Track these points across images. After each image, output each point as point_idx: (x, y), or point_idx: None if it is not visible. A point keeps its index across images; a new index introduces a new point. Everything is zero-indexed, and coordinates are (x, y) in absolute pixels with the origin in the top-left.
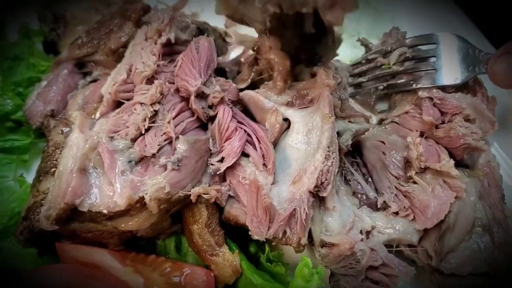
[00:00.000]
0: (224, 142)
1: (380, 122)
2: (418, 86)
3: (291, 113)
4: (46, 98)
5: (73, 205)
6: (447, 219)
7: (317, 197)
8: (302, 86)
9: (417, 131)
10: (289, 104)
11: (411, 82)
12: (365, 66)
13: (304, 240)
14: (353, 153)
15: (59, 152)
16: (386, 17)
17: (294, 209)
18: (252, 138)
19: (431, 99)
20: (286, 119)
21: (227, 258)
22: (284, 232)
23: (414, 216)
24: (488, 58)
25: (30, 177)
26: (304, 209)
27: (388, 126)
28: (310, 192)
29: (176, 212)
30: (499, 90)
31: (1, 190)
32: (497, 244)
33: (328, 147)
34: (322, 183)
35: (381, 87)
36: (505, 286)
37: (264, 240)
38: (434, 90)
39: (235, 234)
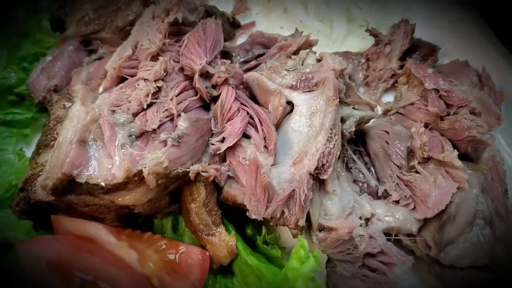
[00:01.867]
0: (226, 122)
1: (386, 112)
2: None
3: (295, 96)
4: (50, 73)
5: (70, 176)
6: (448, 209)
7: (317, 180)
8: (308, 71)
9: (421, 122)
10: (293, 87)
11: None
12: None
13: (302, 222)
14: (357, 142)
15: (60, 126)
16: (396, 9)
17: (293, 190)
18: (254, 120)
19: (437, 90)
20: (289, 102)
21: (223, 239)
22: (282, 213)
23: (414, 206)
24: None
25: (29, 152)
26: (304, 190)
27: (393, 117)
28: (310, 174)
29: (175, 191)
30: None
31: (0, 162)
32: (498, 237)
33: (331, 129)
34: (323, 165)
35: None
36: (505, 280)
37: (262, 220)
38: (441, 82)
39: (233, 215)
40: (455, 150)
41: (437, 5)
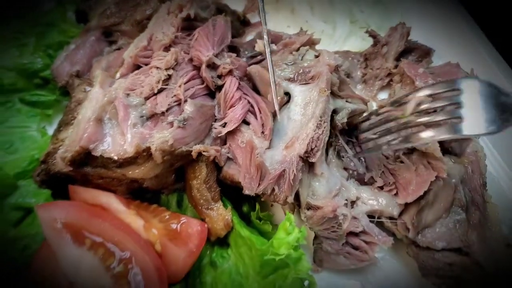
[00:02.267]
0: (228, 109)
1: (380, 108)
2: (437, 137)
3: (292, 88)
4: (73, 60)
5: (87, 149)
6: (427, 196)
7: (307, 163)
8: (306, 65)
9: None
10: (291, 80)
11: (428, 134)
12: (375, 119)
13: (290, 199)
14: (350, 134)
15: (80, 107)
16: (395, 14)
17: (284, 170)
18: (254, 108)
19: None
20: (287, 93)
21: (221, 213)
22: (273, 190)
23: (397, 192)
24: None
25: (51, 130)
26: (293, 170)
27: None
28: (300, 157)
29: (180, 171)
30: None
31: (24, 138)
32: (472, 224)
33: (320, 117)
34: (312, 149)
35: (395, 142)
36: (475, 261)
37: (255, 197)
38: (430, 81)
39: (231, 195)
40: (438, 144)
41: (434, 11)
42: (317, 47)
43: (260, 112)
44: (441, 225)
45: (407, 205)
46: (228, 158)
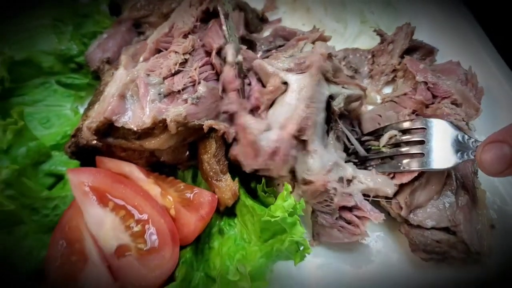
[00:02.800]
0: (229, 92)
1: (383, 101)
2: (407, 168)
3: (289, 77)
4: (105, 48)
5: (110, 120)
6: (420, 178)
7: (301, 142)
8: (302, 56)
9: (410, 109)
10: (289, 70)
11: (399, 164)
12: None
13: (282, 173)
14: (353, 124)
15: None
16: (404, 16)
17: (277, 147)
18: (251, 93)
19: (426, 83)
20: (285, 83)
21: (228, 184)
22: (267, 165)
23: (394, 175)
24: (477, 146)
25: (83, 110)
26: (286, 147)
27: (387, 104)
28: (292, 135)
29: (194, 149)
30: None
31: (59, 115)
32: (460, 206)
33: (309, 98)
34: (302, 128)
35: (371, 168)
36: (460, 239)
37: (253, 171)
38: (430, 76)
39: (241, 174)
40: None
41: (441, 15)
42: (329, 43)
43: (256, 96)
44: (432, 206)
45: (401, 186)
46: (234, 139)
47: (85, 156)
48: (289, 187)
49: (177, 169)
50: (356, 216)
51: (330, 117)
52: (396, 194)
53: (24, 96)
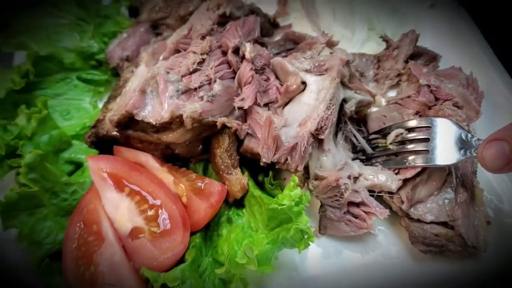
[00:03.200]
0: (244, 86)
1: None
2: (412, 164)
3: (309, 77)
4: (124, 46)
5: (131, 114)
6: (422, 174)
7: (317, 140)
8: (322, 59)
9: (413, 110)
10: (308, 71)
11: (405, 160)
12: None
13: (300, 168)
14: (360, 124)
15: (127, 83)
16: (410, 23)
17: (296, 143)
18: (268, 89)
19: (429, 86)
20: (304, 82)
21: (238, 177)
22: (286, 159)
23: (398, 171)
24: (479, 144)
25: (101, 105)
26: (304, 144)
27: (391, 106)
28: (311, 133)
29: (207, 143)
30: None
31: (79, 109)
32: (458, 202)
33: (330, 100)
34: (321, 127)
35: (377, 165)
36: (458, 233)
37: (270, 163)
38: (432, 79)
39: (249, 167)
40: None
41: (445, 23)
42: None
43: (281, 91)
44: (432, 201)
45: (404, 182)
46: (248, 134)
47: (104, 146)
48: (296, 179)
49: (189, 162)
50: (363, 211)
51: (340, 118)
52: (398, 189)
53: (47, 89)
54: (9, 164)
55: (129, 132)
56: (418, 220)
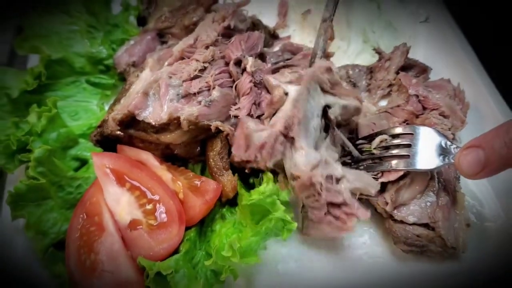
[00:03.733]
0: (241, 97)
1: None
2: (395, 168)
3: (290, 88)
4: (132, 52)
5: (133, 114)
6: (405, 178)
7: (289, 139)
8: (302, 71)
9: (401, 118)
10: (290, 82)
11: (388, 164)
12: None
13: (269, 164)
14: (352, 131)
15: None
16: (404, 36)
17: (265, 142)
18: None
19: (417, 96)
20: (286, 93)
21: (230, 178)
22: (256, 157)
23: (382, 173)
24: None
25: (108, 107)
26: (272, 142)
27: (381, 114)
28: (281, 132)
29: (204, 146)
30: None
31: (87, 110)
32: (440, 205)
33: (296, 100)
34: (288, 125)
35: (362, 167)
36: (438, 234)
37: (240, 161)
38: (421, 90)
39: (241, 174)
40: None
41: (437, 37)
42: (332, 59)
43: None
44: (415, 204)
45: (388, 184)
46: None
47: (108, 144)
48: (270, 175)
49: (188, 163)
50: (344, 212)
51: (328, 125)
52: (383, 191)
53: (57, 91)
54: (19, 159)
55: (131, 131)
56: (401, 222)
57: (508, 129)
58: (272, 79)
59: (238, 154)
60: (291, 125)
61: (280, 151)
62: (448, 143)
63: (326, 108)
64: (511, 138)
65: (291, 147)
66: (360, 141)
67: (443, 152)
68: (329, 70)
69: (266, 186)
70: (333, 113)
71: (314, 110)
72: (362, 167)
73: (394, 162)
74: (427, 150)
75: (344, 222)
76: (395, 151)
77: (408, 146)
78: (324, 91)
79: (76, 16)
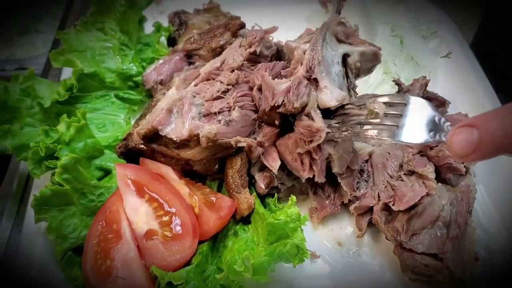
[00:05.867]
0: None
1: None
2: (379, 137)
3: (306, 46)
4: (160, 71)
5: (156, 129)
6: (417, 207)
7: (313, 82)
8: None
9: (416, 149)
10: (308, 42)
11: (373, 132)
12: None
13: (296, 105)
14: (366, 161)
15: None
16: (424, 70)
17: (289, 86)
18: None
19: None
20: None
21: (246, 196)
22: (282, 101)
23: (394, 202)
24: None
25: (133, 121)
26: (296, 84)
27: (397, 145)
28: (303, 76)
29: (222, 164)
30: None
31: (113, 123)
32: (450, 237)
33: (313, 44)
34: (310, 67)
35: (345, 133)
36: (446, 266)
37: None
38: None
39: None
40: (432, 168)
41: (456, 72)
42: None
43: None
44: (425, 234)
45: (399, 214)
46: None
47: (131, 157)
48: (294, 198)
49: (205, 179)
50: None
51: (347, 74)
52: (394, 220)
53: (87, 103)
54: (47, 165)
55: (154, 145)
56: (410, 250)
57: (509, 112)
58: (291, 42)
59: (264, 105)
60: (311, 66)
61: (305, 92)
62: (443, 119)
63: (345, 56)
64: (509, 123)
65: (316, 89)
66: (349, 106)
67: (435, 128)
68: (341, 23)
69: (293, 209)
70: (352, 60)
71: (333, 57)
72: (348, 131)
73: (376, 131)
74: (417, 123)
75: None
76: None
77: (399, 116)
78: (339, 41)
79: (110, 34)
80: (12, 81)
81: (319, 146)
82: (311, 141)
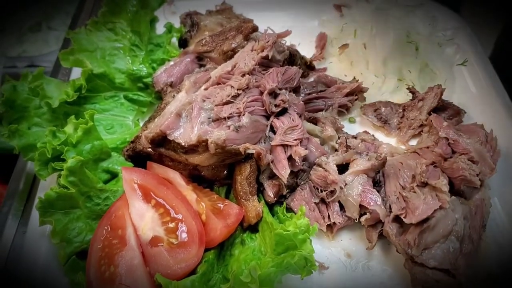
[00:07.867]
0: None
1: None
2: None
3: None
4: (170, 73)
5: (164, 133)
6: (429, 221)
7: None
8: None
9: (429, 160)
10: None
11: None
12: None
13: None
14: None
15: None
16: (440, 78)
17: None
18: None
19: (447, 139)
20: None
21: (255, 204)
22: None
23: (406, 214)
24: None
25: (142, 123)
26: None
27: (410, 154)
28: None
29: (231, 170)
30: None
31: (122, 125)
32: (463, 253)
33: None
34: None
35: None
36: (458, 282)
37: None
38: (451, 133)
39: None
40: (445, 181)
41: (473, 82)
42: (365, 94)
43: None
44: (437, 248)
45: (411, 226)
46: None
47: (139, 160)
48: (304, 208)
49: (213, 185)
50: None
51: None
52: (405, 232)
53: (96, 104)
54: (53, 166)
55: (161, 150)
56: (421, 264)
57: None
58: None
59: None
60: None
61: None
62: None
63: None
64: None
65: None
66: None
67: None
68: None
69: (302, 220)
70: None
71: None
72: None
73: None
74: None
75: None
76: None
77: None
78: None
79: (121, 34)
80: (21, 80)
81: None
82: None
